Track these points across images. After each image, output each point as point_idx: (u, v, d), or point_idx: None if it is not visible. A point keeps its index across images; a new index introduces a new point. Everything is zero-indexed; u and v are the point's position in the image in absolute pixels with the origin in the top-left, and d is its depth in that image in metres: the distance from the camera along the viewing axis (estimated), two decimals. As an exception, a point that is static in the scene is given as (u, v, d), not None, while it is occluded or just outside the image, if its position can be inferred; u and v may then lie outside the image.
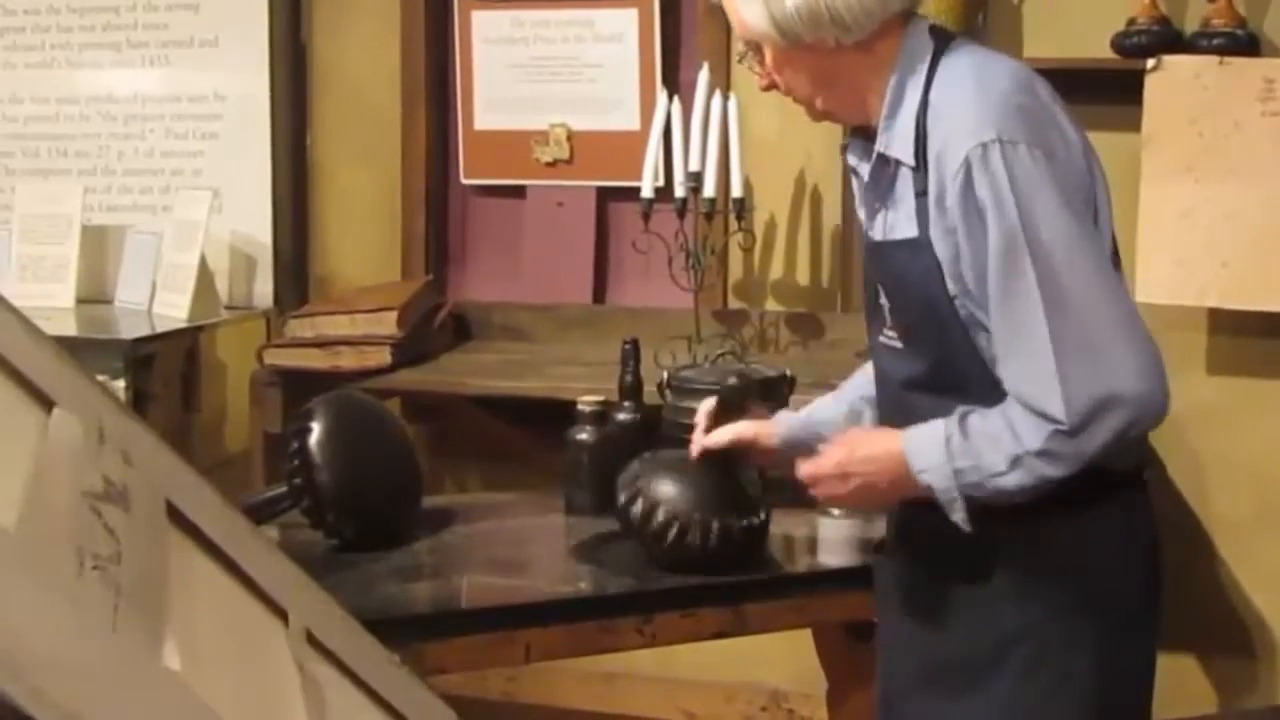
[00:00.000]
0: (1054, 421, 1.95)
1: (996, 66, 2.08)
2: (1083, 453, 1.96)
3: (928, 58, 2.10)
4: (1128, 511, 2.14)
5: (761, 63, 2.18)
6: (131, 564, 0.89)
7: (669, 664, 4.06)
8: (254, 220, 4.46)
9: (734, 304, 4.16)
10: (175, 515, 1.16)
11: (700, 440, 2.53)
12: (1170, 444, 3.87)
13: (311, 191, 4.52)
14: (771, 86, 2.20)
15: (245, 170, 4.46)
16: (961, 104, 2.03)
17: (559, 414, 3.03)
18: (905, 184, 2.11)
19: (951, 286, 2.05)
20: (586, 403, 2.95)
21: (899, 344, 2.18)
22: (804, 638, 3.10)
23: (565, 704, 4.29)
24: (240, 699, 0.94)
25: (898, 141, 2.10)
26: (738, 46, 2.29)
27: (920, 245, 2.07)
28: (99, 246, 4.54)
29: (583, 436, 2.94)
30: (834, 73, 2.13)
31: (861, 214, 2.28)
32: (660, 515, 2.56)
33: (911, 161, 2.08)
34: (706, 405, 2.55)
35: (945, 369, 2.10)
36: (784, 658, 3.91)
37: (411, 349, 3.97)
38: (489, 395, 3.99)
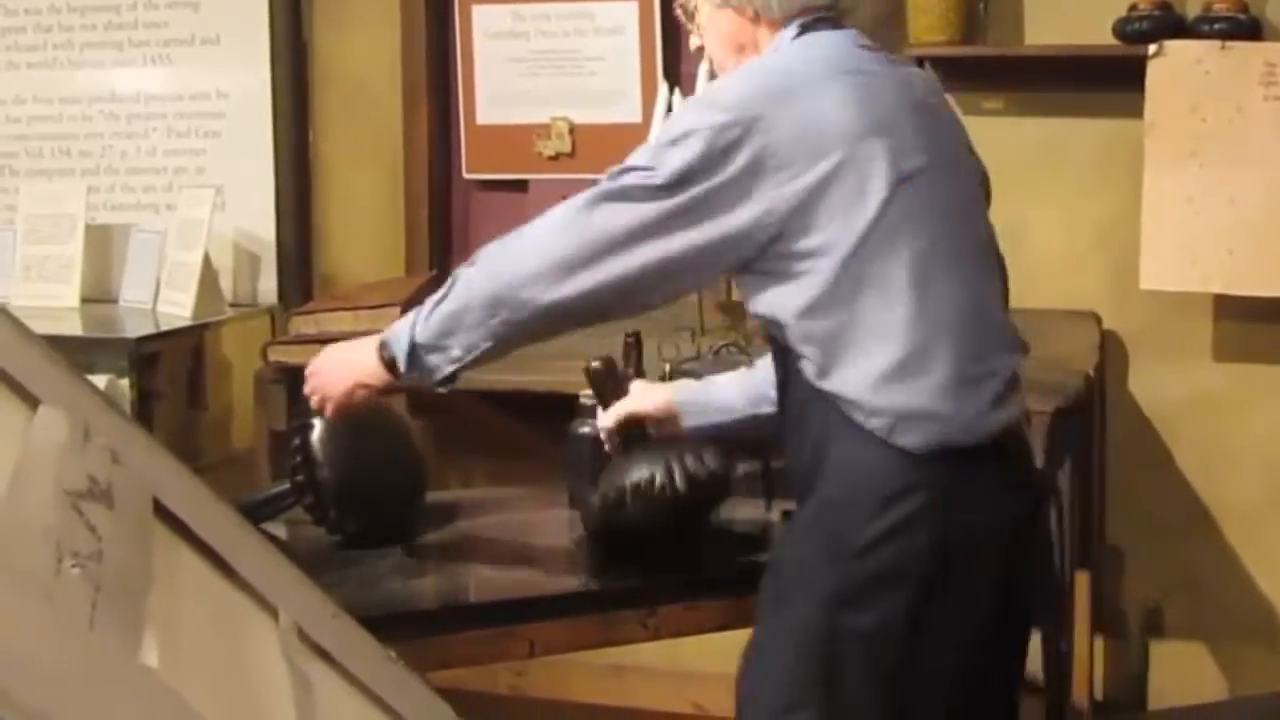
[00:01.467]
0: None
1: (785, 56, 2.23)
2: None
3: (777, 45, 2.27)
4: (899, 487, 2.14)
5: (693, 22, 2.35)
6: (113, 562, 0.89)
7: (677, 657, 4.06)
8: (257, 217, 4.46)
9: (737, 296, 4.13)
10: (164, 513, 1.16)
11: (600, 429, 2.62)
12: (1177, 431, 3.86)
13: (314, 188, 4.52)
14: (701, 51, 2.38)
15: (248, 168, 4.46)
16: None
17: (562, 408, 3.02)
18: None
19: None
20: (589, 396, 2.95)
21: None
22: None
23: (574, 697, 4.29)
24: (224, 696, 0.94)
25: None
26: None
27: None
28: (103, 246, 4.54)
29: (585, 430, 2.92)
30: (744, 41, 2.29)
31: None
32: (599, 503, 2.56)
33: None
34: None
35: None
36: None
37: (415, 345, 3.96)
38: (492, 390, 3.98)
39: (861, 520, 2.14)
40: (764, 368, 2.51)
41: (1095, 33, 3.72)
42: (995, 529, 2.20)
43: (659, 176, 2.12)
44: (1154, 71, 3.58)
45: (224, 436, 4.31)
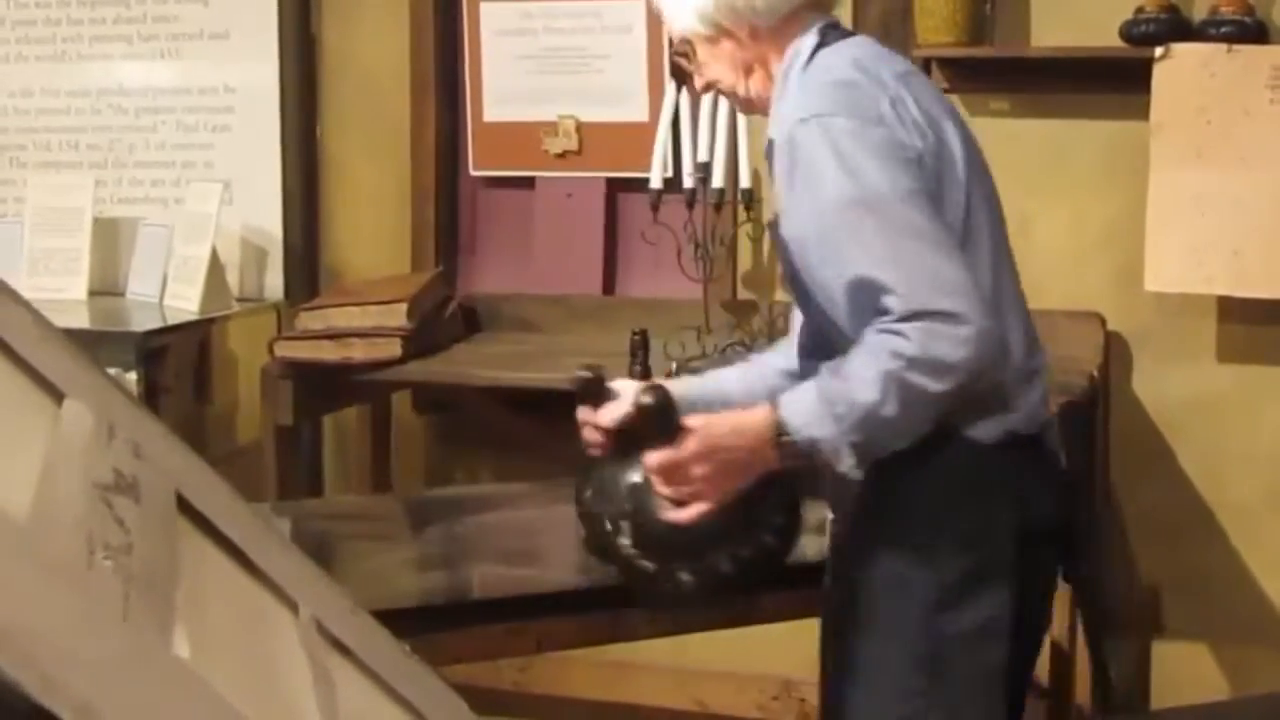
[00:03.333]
0: (886, 313, 2.02)
1: (839, 56, 2.22)
2: (929, 351, 2.00)
3: (808, 52, 2.24)
4: (977, 481, 2.17)
5: (693, 62, 2.33)
6: (142, 555, 0.90)
7: (681, 653, 4.07)
8: (264, 212, 4.47)
9: (743, 294, 4.16)
10: (185, 506, 1.17)
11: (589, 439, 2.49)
12: (1181, 432, 3.87)
13: (322, 184, 4.53)
14: (709, 87, 2.37)
15: (256, 163, 4.47)
16: (794, 92, 2.21)
17: (569, 405, 3.03)
18: None
19: (795, 257, 2.19)
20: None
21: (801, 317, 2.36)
22: (815, 627, 3.10)
23: (577, 693, 4.30)
24: (251, 688, 0.95)
25: (773, 129, 2.27)
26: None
27: (776, 224, 2.25)
28: (110, 239, 4.55)
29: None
30: (750, 61, 2.29)
31: None
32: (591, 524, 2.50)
33: None
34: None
35: (818, 337, 2.25)
36: (796, 647, 3.91)
37: (422, 340, 3.98)
38: (499, 386, 4.00)
39: (950, 518, 2.16)
40: (761, 362, 2.54)
41: (1102, 35, 3.72)
42: (1054, 521, 2.24)
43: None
44: (1160, 74, 3.59)
45: (229, 431, 4.32)
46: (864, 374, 2.03)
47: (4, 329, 1.05)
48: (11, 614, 0.68)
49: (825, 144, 2.08)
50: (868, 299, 2.05)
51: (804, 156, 2.11)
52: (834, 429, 2.04)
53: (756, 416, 2.12)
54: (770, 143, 2.26)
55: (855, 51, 2.24)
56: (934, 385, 2.02)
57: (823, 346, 2.21)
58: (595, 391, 2.40)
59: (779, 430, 2.08)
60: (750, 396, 2.50)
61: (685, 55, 2.35)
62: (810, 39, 2.25)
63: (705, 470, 2.12)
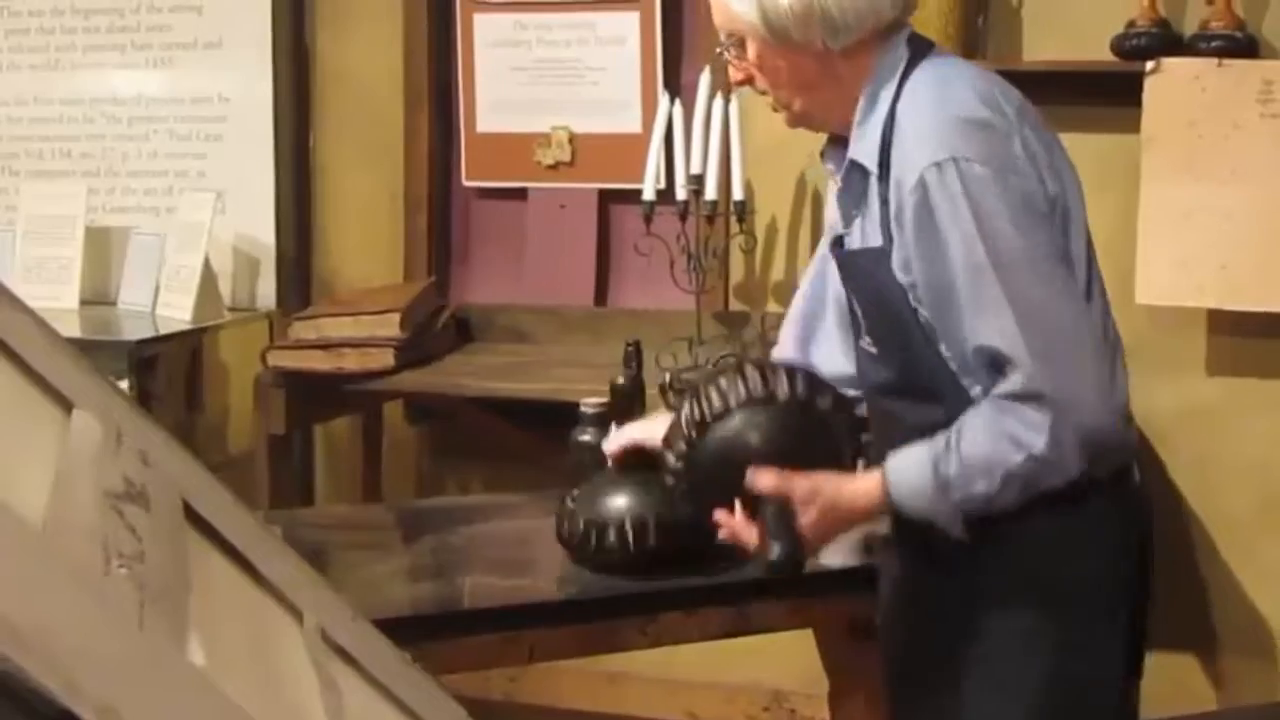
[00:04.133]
0: (1009, 382, 1.99)
1: (959, 82, 2.11)
2: (1053, 452, 1.99)
3: (900, 69, 2.13)
4: (1098, 519, 2.14)
5: (741, 56, 2.17)
6: (154, 562, 0.91)
7: (671, 664, 4.08)
8: (257, 222, 4.48)
9: (735, 306, 4.17)
10: (191, 515, 1.18)
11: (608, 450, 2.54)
12: (1171, 444, 3.88)
13: (314, 193, 4.53)
14: (746, 82, 2.20)
15: (249, 172, 4.47)
16: (919, 124, 2.07)
17: (561, 415, 3.04)
18: (874, 192, 2.14)
19: (911, 296, 2.09)
20: (589, 404, 2.96)
21: (874, 350, 2.22)
22: (806, 638, 3.12)
23: (567, 704, 4.30)
24: (261, 696, 0.96)
25: (867, 150, 2.13)
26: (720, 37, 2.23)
27: (883, 255, 2.11)
28: (103, 248, 4.55)
29: (585, 438, 2.94)
30: (816, 75, 2.14)
31: (834, 221, 2.30)
32: (580, 524, 2.57)
33: (876, 170, 2.12)
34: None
35: (913, 376, 2.14)
36: (786, 658, 3.93)
37: (414, 351, 3.99)
38: (491, 397, 4.01)
39: (1075, 562, 2.13)
40: None
41: (1093, 48, 3.74)
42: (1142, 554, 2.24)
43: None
44: (1151, 88, 3.60)
45: (221, 441, 4.32)
46: (984, 463, 2.00)
47: (13, 339, 1.06)
48: (36, 618, 0.68)
49: (963, 196, 2.00)
50: (991, 365, 2.02)
51: (940, 205, 2.01)
52: (948, 509, 2.03)
53: (867, 487, 2.09)
54: (855, 164, 2.15)
55: (971, 78, 2.13)
56: (1051, 479, 2.01)
57: (912, 389, 2.14)
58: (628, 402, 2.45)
59: (888, 503, 2.07)
60: None
61: (735, 47, 2.17)
62: (899, 55, 2.14)
63: (810, 519, 2.08)
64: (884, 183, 2.10)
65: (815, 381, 2.17)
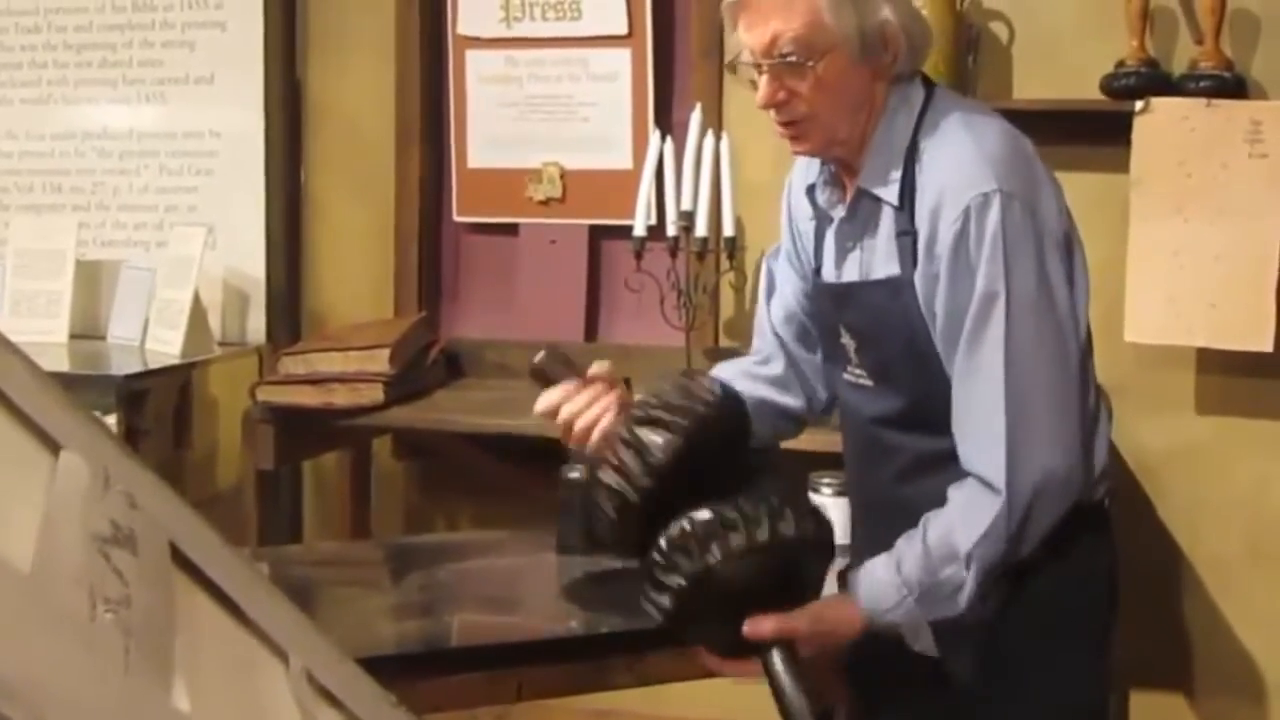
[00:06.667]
0: (989, 474, 2.02)
1: (988, 122, 2.12)
2: (1023, 544, 2.04)
3: (919, 103, 2.13)
4: (1091, 549, 2.19)
5: (792, 74, 2.07)
6: (140, 607, 0.90)
7: (660, 701, 4.06)
8: (248, 256, 4.48)
9: (725, 342, 4.18)
10: (177, 556, 1.17)
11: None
12: (1159, 483, 3.89)
13: (305, 228, 4.54)
14: (779, 103, 2.09)
15: (239, 207, 4.48)
16: (961, 155, 2.06)
17: (551, 452, 3.03)
18: (887, 223, 2.12)
19: (931, 326, 2.09)
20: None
21: (869, 382, 2.20)
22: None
23: (556, 741, 4.28)
24: (246, 741, 0.95)
25: (882, 180, 2.12)
26: (746, 55, 2.10)
27: (902, 284, 2.09)
28: (93, 282, 4.55)
29: (575, 475, 2.94)
30: (864, 98, 2.11)
31: (820, 257, 2.26)
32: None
33: (895, 201, 2.10)
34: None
35: (922, 405, 2.13)
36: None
37: (404, 386, 3.98)
38: (481, 432, 4.01)
39: (1102, 600, 2.24)
40: (758, 402, 2.40)
41: (1083, 88, 3.76)
42: None
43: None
44: (1141, 127, 3.62)
45: (209, 476, 4.31)
46: (957, 581, 2.02)
47: (3, 380, 1.05)
48: (21, 668, 0.68)
49: (1000, 226, 2.01)
50: (977, 455, 2.05)
51: (980, 234, 2.02)
52: (921, 620, 2.05)
53: (848, 618, 2.05)
54: (865, 194, 2.14)
55: (991, 116, 2.15)
56: (1017, 557, 2.06)
57: (925, 421, 2.13)
58: (554, 373, 2.36)
59: (869, 623, 2.06)
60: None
61: (809, 53, 2.05)
62: (915, 88, 2.15)
63: (810, 653, 2.01)
64: (902, 212, 2.09)
65: (796, 509, 2.01)
